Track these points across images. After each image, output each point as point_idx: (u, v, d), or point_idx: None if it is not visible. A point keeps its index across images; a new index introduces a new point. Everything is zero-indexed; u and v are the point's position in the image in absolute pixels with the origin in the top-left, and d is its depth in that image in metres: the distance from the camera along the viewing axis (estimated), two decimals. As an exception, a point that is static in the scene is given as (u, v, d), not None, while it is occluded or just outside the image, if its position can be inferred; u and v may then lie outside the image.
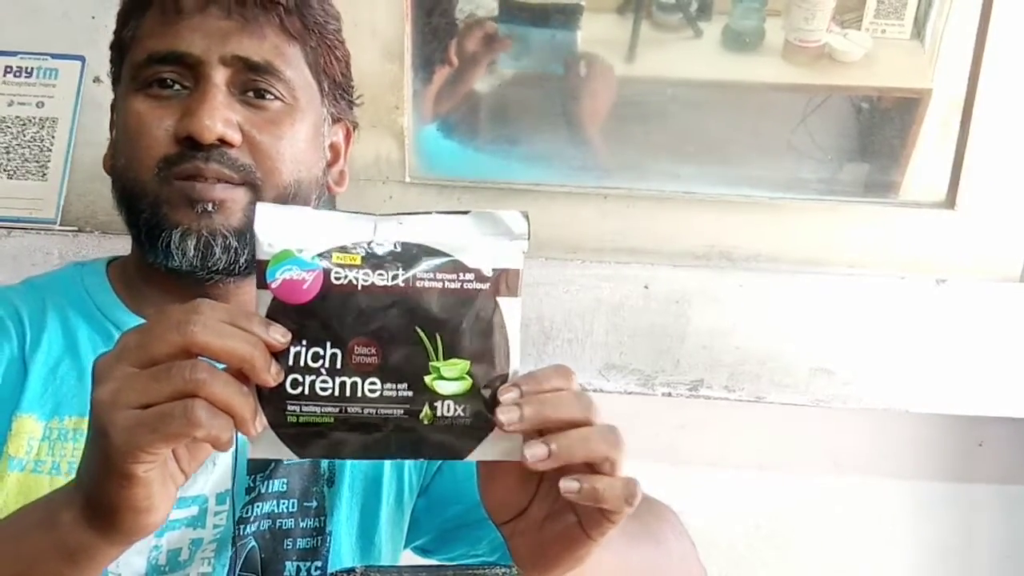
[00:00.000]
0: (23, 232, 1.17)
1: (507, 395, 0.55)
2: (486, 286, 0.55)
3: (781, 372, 1.18)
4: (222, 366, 0.53)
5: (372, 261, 0.55)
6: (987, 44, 1.14)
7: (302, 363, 0.54)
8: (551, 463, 0.54)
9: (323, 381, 0.54)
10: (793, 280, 1.18)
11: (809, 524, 1.35)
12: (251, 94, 0.78)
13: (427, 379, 0.54)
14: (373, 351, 0.54)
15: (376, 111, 1.20)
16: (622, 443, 0.56)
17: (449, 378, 0.54)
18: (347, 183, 0.90)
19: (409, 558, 0.92)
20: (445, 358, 0.54)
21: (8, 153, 1.22)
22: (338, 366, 0.54)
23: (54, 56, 1.24)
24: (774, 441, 1.33)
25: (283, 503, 0.81)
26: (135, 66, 0.79)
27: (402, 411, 0.54)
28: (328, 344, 0.54)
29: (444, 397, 0.54)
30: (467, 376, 0.54)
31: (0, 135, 1.22)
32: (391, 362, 0.54)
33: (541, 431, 0.55)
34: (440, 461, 0.84)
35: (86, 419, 0.76)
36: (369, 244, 0.55)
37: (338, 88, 0.85)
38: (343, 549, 0.83)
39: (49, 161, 1.22)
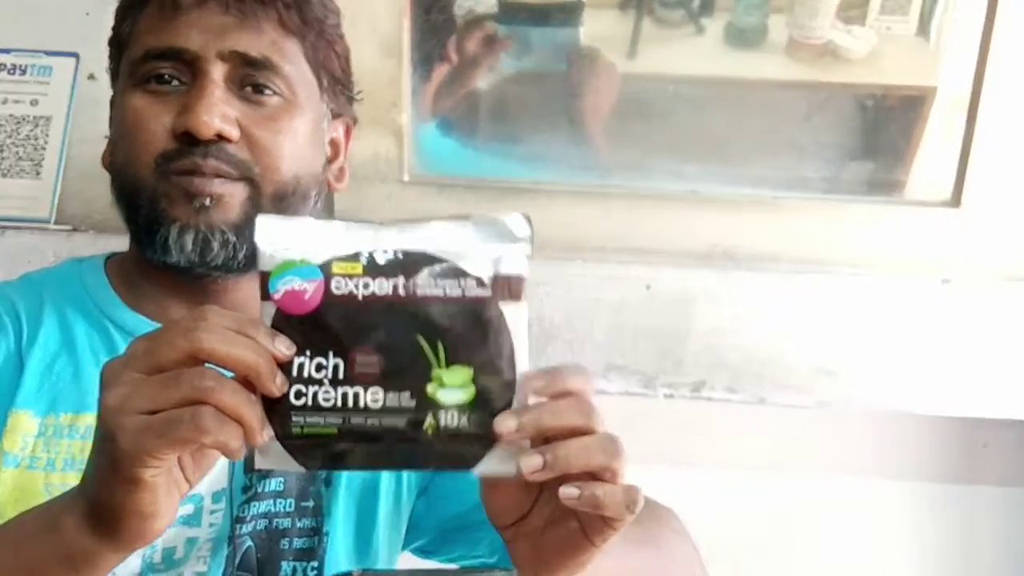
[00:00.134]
0: (17, 231, 1.17)
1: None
2: (488, 292, 0.54)
3: (784, 373, 1.18)
4: (230, 376, 0.53)
5: (373, 270, 0.54)
6: (992, 41, 1.14)
7: (305, 374, 0.53)
8: (547, 474, 0.54)
9: (326, 392, 0.53)
10: (796, 280, 1.18)
11: (812, 525, 1.35)
12: (249, 90, 0.78)
13: (429, 388, 0.53)
14: (374, 361, 0.53)
15: (374, 108, 1.19)
16: (622, 452, 0.55)
17: (452, 387, 0.53)
18: (347, 179, 0.90)
19: (408, 560, 0.92)
20: (447, 366, 0.53)
21: (2, 151, 1.21)
22: (340, 376, 0.53)
23: (48, 53, 1.23)
24: (777, 442, 1.33)
25: (280, 503, 0.81)
26: (133, 62, 0.79)
27: (405, 421, 0.53)
28: (330, 354, 0.53)
29: (447, 407, 0.53)
30: (471, 385, 0.54)
31: (-6, 133, 1.21)
32: (392, 371, 0.53)
33: (547, 438, 0.55)
34: None
35: (82, 415, 0.77)
36: (370, 253, 0.54)
37: (337, 84, 0.85)
38: (340, 550, 0.83)
39: (43, 159, 1.21)
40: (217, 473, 0.78)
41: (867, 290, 1.17)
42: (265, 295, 0.54)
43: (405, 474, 0.85)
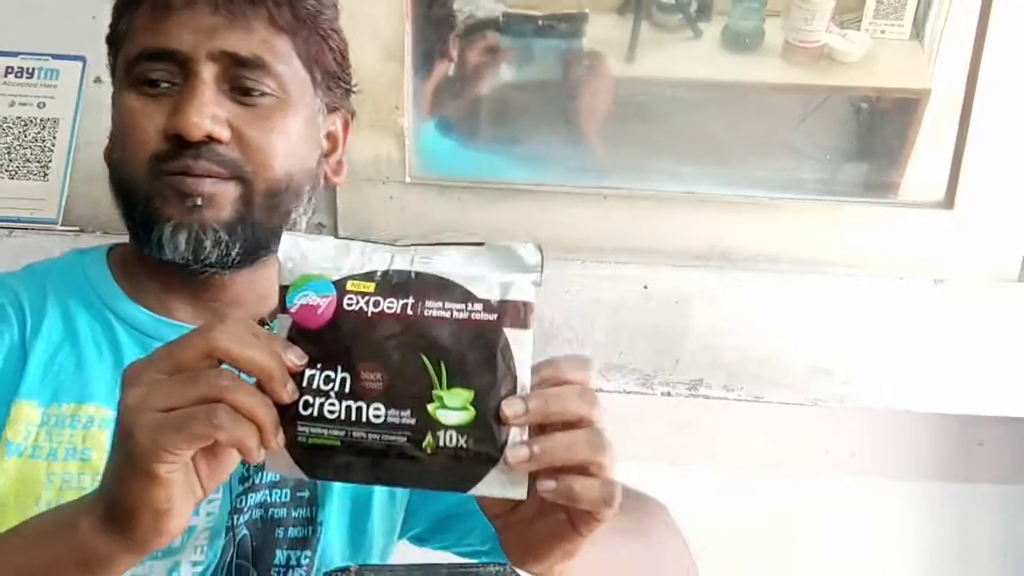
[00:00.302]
0: (24, 232, 1.17)
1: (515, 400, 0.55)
2: (494, 317, 0.55)
3: (780, 372, 1.18)
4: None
5: (385, 289, 0.56)
6: (986, 44, 1.14)
7: (315, 386, 0.55)
8: (532, 465, 0.55)
9: (331, 404, 0.55)
10: (792, 280, 1.18)
11: (808, 524, 1.35)
12: (241, 90, 0.79)
13: (430, 407, 0.54)
14: (378, 376, 0.55)
15: (376, 111, 1.20)
16: (608, 447, 0.56)
17: (452, 407, 0.54)
18: (345, 172, 0.91)
19: (406, 557, 0.93)
20: (449, 387, 0.55)
21: (9, 154, 1.22)
22: (346, 390, 0.55)
23: (55, 57, 1.24)
24: (773, 441, 1.33)
25: (276, 492, 0.82)
26: (127, 62, 0.80)
27: (405, 438, 0.55)
28: (339, 368, 0.55)
29: (447, 427, 0.54)
30: (471, 407, 0.54)
31: (1, 136, 1.22)
32: (395, 388, 0.55)
33: (542, 427, 0.56)
34: None
35: (84, 406, 0.79)
36: (384, 272, 0.56)
37: (332, 78, 0.85)
38: (334, 539, 0.85)
39: (50, 162, 1.22)
40: None
41: (862, 290, 1.18)
42: (283, 308, 0.56)
43: None
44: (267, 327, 0.71)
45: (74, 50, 1.24)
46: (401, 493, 0.89)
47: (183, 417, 0.53)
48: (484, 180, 1.22)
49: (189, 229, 0.77)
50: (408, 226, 1.22)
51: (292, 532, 0.83)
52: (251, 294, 0.84)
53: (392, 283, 0.56)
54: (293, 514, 0.82)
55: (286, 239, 0.57)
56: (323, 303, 0.55)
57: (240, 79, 0.78)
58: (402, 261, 0.56)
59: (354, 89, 0.90)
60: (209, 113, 0.76)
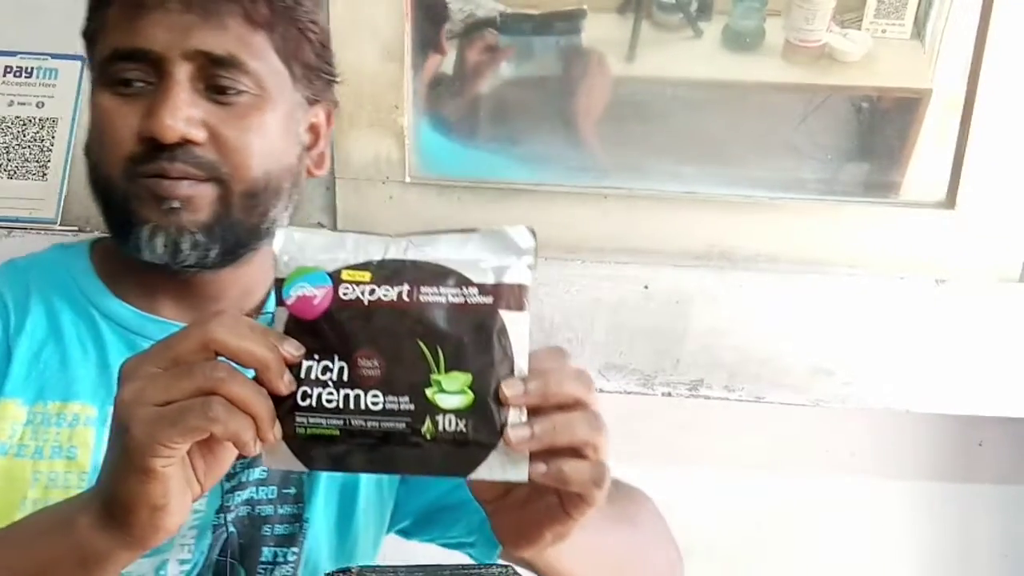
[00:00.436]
0: (23, 232, 1.17)
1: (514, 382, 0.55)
2: (489, 300, 0.55)
3: (781, 372, 1.18)
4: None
5: (380, 277, 0.56)
6: (987, 44, 1.14)
7: (313, 376, 0.55)
8: (534, 444, 0.55)
9: (329, 393, 0.55)
10: (793, 280, 1.18)
11: (809, 524, 1.35)
12: (216, 88, 0.77)
13: (428, 392, 0.54)
14: (376, 364, 0.55)
15: (376, 111, 1.20)
16: (604, 428, 0.57)
17: (450, 391, 0.54)
18: (328, 165, 0.89)
19: (406, 556, 0.93)
20: (446, 371, 0.54)
21: (8, 153, 1.22)
22: (344, 379, 0.55)
23: (54, 56, 1.24)
24: (774, 441, 1.33)
25: (262, 490, 0.82)
26: (101, 61, 0.79)
27: (404, 424, 0.54)
28: (336, 357, 0.55)
29: (446, 411, 0.54)
30: (469, 391, 0.54)
31: (0, 135, 1.22)
32: (393, 375, 0.54)
33: (536, 412, 0.56)
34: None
35: (69, 403, 0.78)
36: (379, 262, 0.56)
37: (312, 71, 0.84)
38: (320, 536, 0.85)
39: (49, 161, 1.22)
40: None
41: (863, 290, 1.18)
42: (280, 301, 0.56)
43: None
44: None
45: (73, 50, 1.23)
46: (388, 488, 0.89)
47: (178, 410, 0.53)
48: (484, 180, 1.22)
49: (166, 232, 0.76)
50: (408, 226, 1.21)
51: (279, 529, 0.83)
52: (235, 290, 0.84)
53: (387, 271, 0.56)
54: (279, 511, 0.82)
55: (280, 233, 0.57)
56: (319, 294, 0.55)
57: (215, 78, 0.77)
58: (396, 250, 0.56)
59: (337, 79, 0.88)
60: (183, 115, 0.75)
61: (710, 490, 1.34)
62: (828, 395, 1.19)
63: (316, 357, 0.55)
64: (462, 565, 0.72)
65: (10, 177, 1.21)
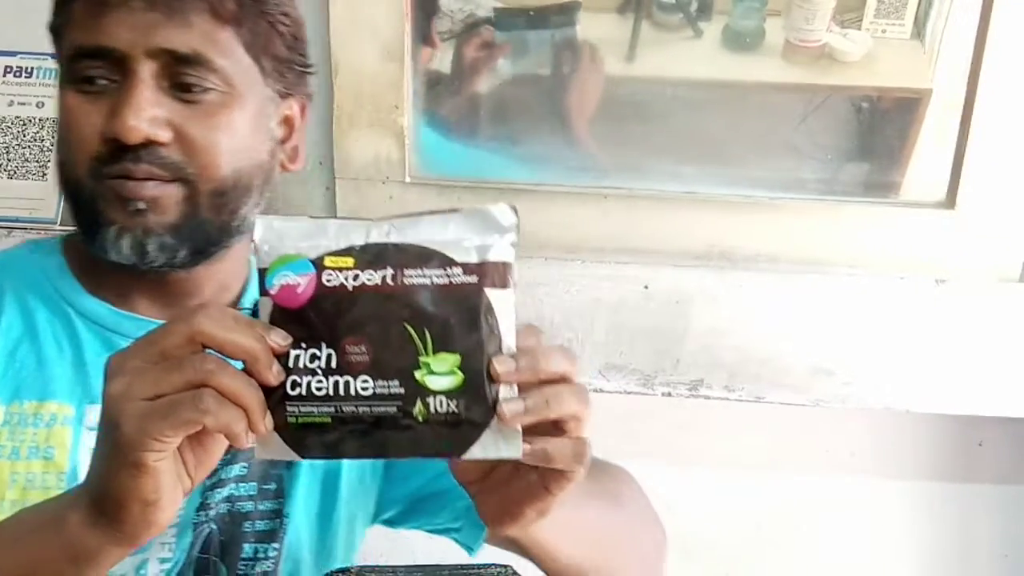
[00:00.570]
0: (23, 232, 1.17)
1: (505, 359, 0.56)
2: (474, 279, 0.55)
3: (781, 372, 1.18)
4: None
5: (363, 262, 0.55)
6: (987, 44, 1.14)
7: (301, 365, 0.55)
8: (528, 418, 0.55)
9: (319, 381, 0.54)
10: (793, 280, 1.18)
11: (809, 524, 1.35)
12: (181, 87, 0.76)
13: (417, 375, 0.54)
14: (363, 349, 0.54)
15: (376, 111, 1.20)
16: (589, 400, 0.58)
17: (439, 373, 0.54)
18: (302, 159, 0.87)
19: (408, 556, 0.93)
20: (435, 353, 0.54)
21: (8, 153, 1.22)
22: (333, 366, 0.54)
23: (54, 56, 1.23)
24: (774, 441, 1.33)
25: (242, 487, 0.82)
26: (66, 59, 0.78)
27: (395, 408, 0.54)
28: (323, 345, 0.55)
29: (436, 392, 0.54)
30: (458, 371, 0.54)
31: (0, 135, 1.22)
32: (381, 359, 0.54)
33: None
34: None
35: (46, 403, 0.77)
36: (361, 246, 0.56)
37: (283, 64, 0.82)
38: (301, 531, 0.85)
39: (49, 161, 1.21)
40: None
41: (863, 290, 1.18)
42: (263, 291, 0.56)
43: None
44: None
45: (73, 49, 1.24)
46: (371, 479, 0.89)
47: (169, 404, 0.53)
48: (484, 180, 1.22)
49: (132, 234, 0.75)
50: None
51: (259, 525, 0.82)
52: (210, 286, 0.83)
53: (370, 256, 0.55)
54: (260, 507, 0.82)
55: (260, 222, 0.57)
56: (302, 281, 0.55)
57: (180, 76, 0.75)
58: (378, 234, 0.56)
59: (311, 71, 0.86)
60: (147, 116, 0.73)
61: (710, 490, 1.34)
62: (828, 395, 1.19)
63: (303, 345, 0.55)
64: (462, 565, 0.72)
65: (10, 177, 1.21)
